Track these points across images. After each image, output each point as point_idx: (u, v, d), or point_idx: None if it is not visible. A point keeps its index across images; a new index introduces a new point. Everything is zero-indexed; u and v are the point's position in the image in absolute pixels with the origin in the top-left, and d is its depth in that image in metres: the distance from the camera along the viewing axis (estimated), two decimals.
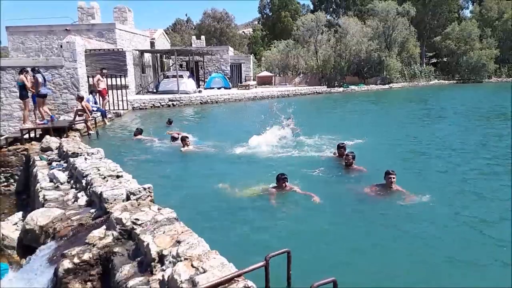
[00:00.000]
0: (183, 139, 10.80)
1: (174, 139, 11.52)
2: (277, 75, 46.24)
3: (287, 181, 6.74)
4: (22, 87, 12.12)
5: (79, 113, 13.28)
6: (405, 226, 5.54)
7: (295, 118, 14.48)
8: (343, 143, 8.95)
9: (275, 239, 4.98)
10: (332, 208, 6.24)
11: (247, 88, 32.96)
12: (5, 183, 10.53)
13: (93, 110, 14.49)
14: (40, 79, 12.17)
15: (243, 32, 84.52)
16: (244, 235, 5.14)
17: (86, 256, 3.99)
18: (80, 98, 13.46)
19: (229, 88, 32.79)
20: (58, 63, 16.71)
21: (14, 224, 6.47)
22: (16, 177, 10.60)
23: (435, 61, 59.16)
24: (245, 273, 2.89)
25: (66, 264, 3.91)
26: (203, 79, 34.43)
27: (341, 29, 45.61)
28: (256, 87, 36.19)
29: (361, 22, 47.22)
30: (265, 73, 43.81)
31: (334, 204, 6.44)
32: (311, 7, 65.36)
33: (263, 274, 2.92)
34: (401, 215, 5.93)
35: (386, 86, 44.45)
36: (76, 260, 3.96)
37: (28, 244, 5.29)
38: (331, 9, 62.57)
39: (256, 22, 77.06)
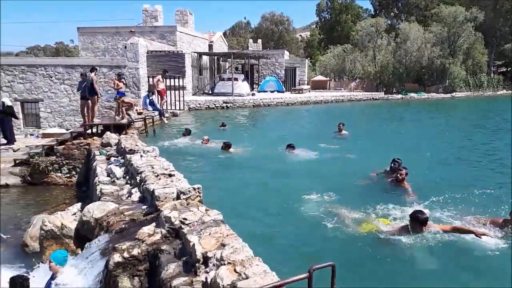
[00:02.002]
0: (226, 145, 10.88)
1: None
2: (332, 79, 45.57)
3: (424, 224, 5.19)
4: (92, 85, 12.81)
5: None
6: None
7: (347, 125, 14.20)
8: (399, 159, 8.02)
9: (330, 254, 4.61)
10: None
11: (301, 92, 32.76)
12: (68, 175, 11.25)
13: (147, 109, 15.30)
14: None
15: (300, 35, 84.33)
16: (290, 245, 5.01)
17: (135, 252, 4.12)
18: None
19: (283, 92, 32.79)
20: (122, 63, 17.62)
21: (73, 214, 6.86)
22: (78, 169, 11.28)
23: (505, 70, 55.29)
24: (287, 284, 2.82)
25: (116, 257, 4.06)
26: (257, 82, 34.72)
27: (401, 34, 44.03)
28: (309, 91, 35.89)
29: (423, 27, 45.29)
30: (320, 78, 43.34)
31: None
32: (372, 11, 63.89)
33: (305, 286, 2.83)
34: None
35: (448, 95, 42.24)
36: (125, 254, 4.10)
37: (84, 234, 5.58)
38: (392, 14, 60.66)
39: (314, 26, 76.42)
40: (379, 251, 4.92)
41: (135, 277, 4.07)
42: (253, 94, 28.49)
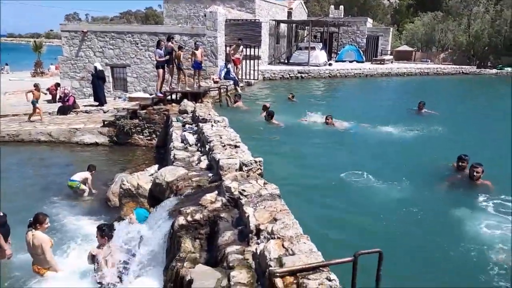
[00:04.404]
0: (269, 114, 11.02)
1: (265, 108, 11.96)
2: (419, 50, 42.50)
3: None
4: (170, 54, 13.28)
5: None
6: None
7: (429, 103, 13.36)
8: (466, 156, 7.02)
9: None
10: None
11: (382, 63, 31.19)
12: (149, 137, 12.18)
13: (223, 78, 15.71)
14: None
15: (389, 0, 78.97)
16: (341, 228, 5.02)
17: (197, 216, 4.48)
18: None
19: (362, 62, 31.47)
20: (201, 31, 18.13)
21: (150, 175, 7.48)
22: (158, 133, 12.15)
23: None
24: (331, 265, 2.92)
25: (181, 220, 4.45)
26: (335, 51, 33.65)
27: (503, 0, 39.23)
28: (392, 62, 33.98)
29: None
30: (404, 48, 40.66)
31: None
32: None
33: (347, 270, 2.90)
34: None
35: None
36: (189, 218, 4.47)
37: (156, 195, 6.13)
38: None
39: None
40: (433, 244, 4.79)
41: (196, 240, 4.45)
42: (330, 64, 27.77)
